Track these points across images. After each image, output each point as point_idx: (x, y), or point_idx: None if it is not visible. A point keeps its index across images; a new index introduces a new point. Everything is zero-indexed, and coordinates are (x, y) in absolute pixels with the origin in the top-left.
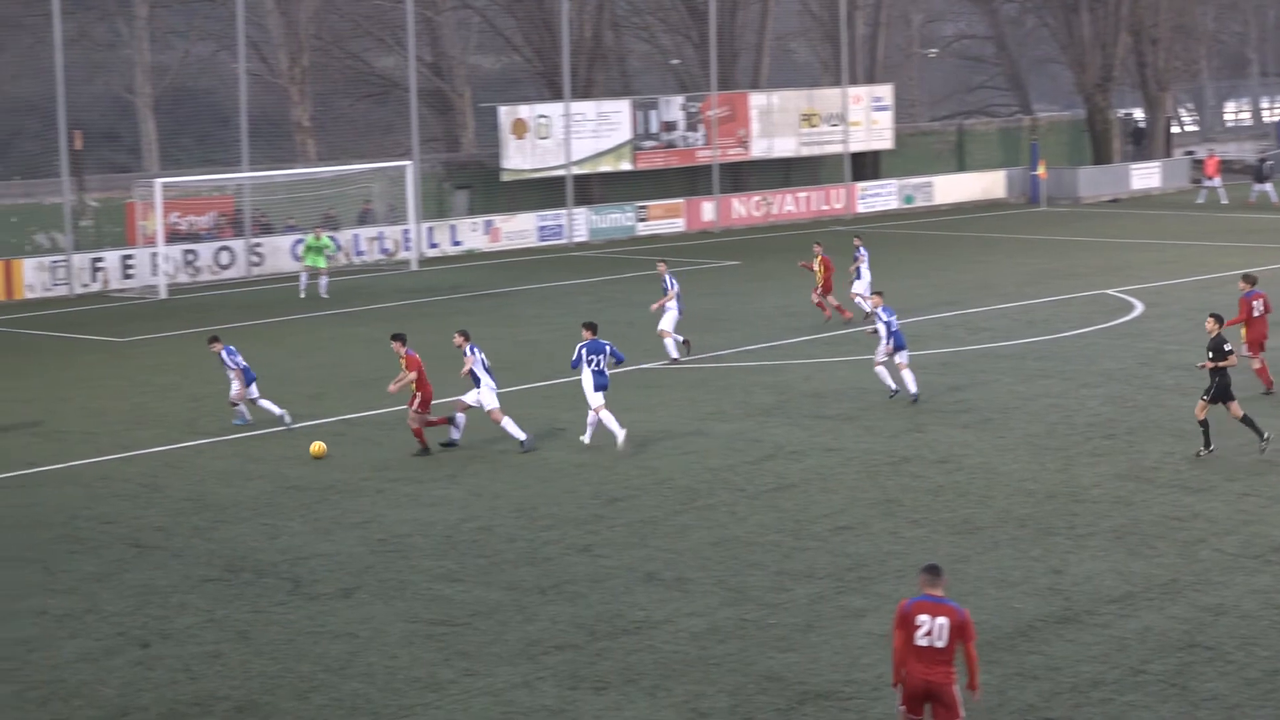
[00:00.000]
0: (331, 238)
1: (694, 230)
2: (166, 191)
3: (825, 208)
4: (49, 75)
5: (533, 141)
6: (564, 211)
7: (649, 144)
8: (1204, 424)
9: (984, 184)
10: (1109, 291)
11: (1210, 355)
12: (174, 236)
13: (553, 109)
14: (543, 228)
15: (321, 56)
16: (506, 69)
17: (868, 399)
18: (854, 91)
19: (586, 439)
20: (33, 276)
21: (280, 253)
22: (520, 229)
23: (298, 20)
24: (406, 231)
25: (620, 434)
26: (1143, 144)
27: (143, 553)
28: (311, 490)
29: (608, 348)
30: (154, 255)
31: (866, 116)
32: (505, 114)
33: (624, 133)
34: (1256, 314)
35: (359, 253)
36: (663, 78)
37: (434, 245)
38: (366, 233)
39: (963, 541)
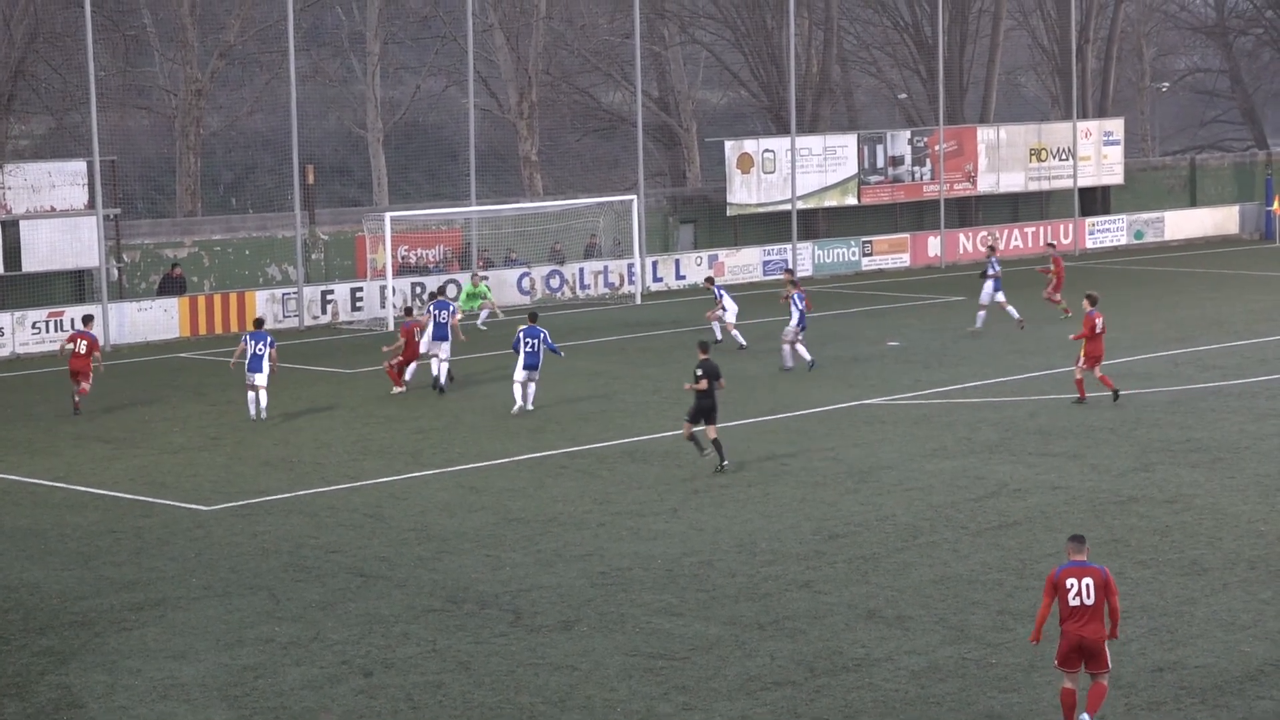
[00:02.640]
0: (487, 284)
1: (919, 265)
2: (395, 225)
3: (1053, 244)
4: (284, 111)
5: (758, 176)
6: (788, 246)
7: (875, 179)
8: (691, 438)
9: (1216, 219)
10: None
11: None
12: (403, 269)
13: (778, 144)
14: (767, 262)
15: (549, 92)
16: (733, 104)
17: (1094, 436)
18: (1084, 126)
19: (514, 410)
20: (264, 308)
21: (506, 286)
22: (745, 263)
23: (527, 56)
24: (631, 266)
25: (518, 405)
26: None
27: (367, 582)
28: (533, 522)
29: (542, 334)
30: (382, 288)
31: (1096, 151)
32: (731, 148)
33: (850, 167)
34: (1098, 330)
35: (584, 287)
36: (889, 112)
37: (658, 279)
38: (592, 266)
39: (1190, 583)
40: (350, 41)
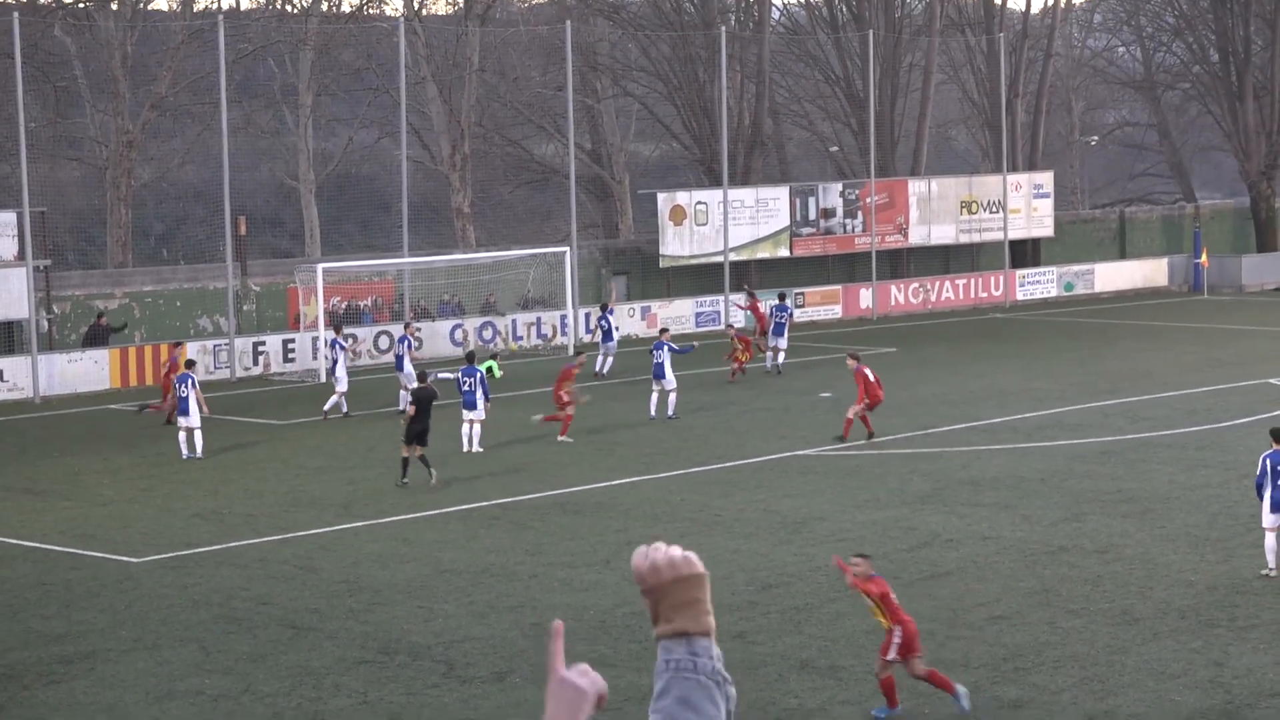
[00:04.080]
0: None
1: (851, 317)
2: (327, 276)
3: (984, 295)
4: (215, 162)
5: (690, 228)
6: (720, 297)
7: (807, 230)
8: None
9: (1145, 271)
10: (1272, 381)
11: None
12: (348, 318)
13: (711, 195)
14: (699, 314)
15: (482, 144)
16: (665, 156)
17: (1025, 487)
18: (1014, 179)
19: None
20: (195, 359)
21: (439, 337)
22: (677, 314)
23: (460, 108)
24: (564, 317)
25: (465, 448)
26: None
27: (298, 634)
28: (466, 574)
29: (478, 373)
30: (314, 339)
31: (1027, 203)
32: (663, 200)
33: (782, 219)
34: (872, 379)
35: (517, 338)
36: (821, 165)
37: (589, 331)
38: (525, 318)
39: (1121, 632)
40: (283, 93)
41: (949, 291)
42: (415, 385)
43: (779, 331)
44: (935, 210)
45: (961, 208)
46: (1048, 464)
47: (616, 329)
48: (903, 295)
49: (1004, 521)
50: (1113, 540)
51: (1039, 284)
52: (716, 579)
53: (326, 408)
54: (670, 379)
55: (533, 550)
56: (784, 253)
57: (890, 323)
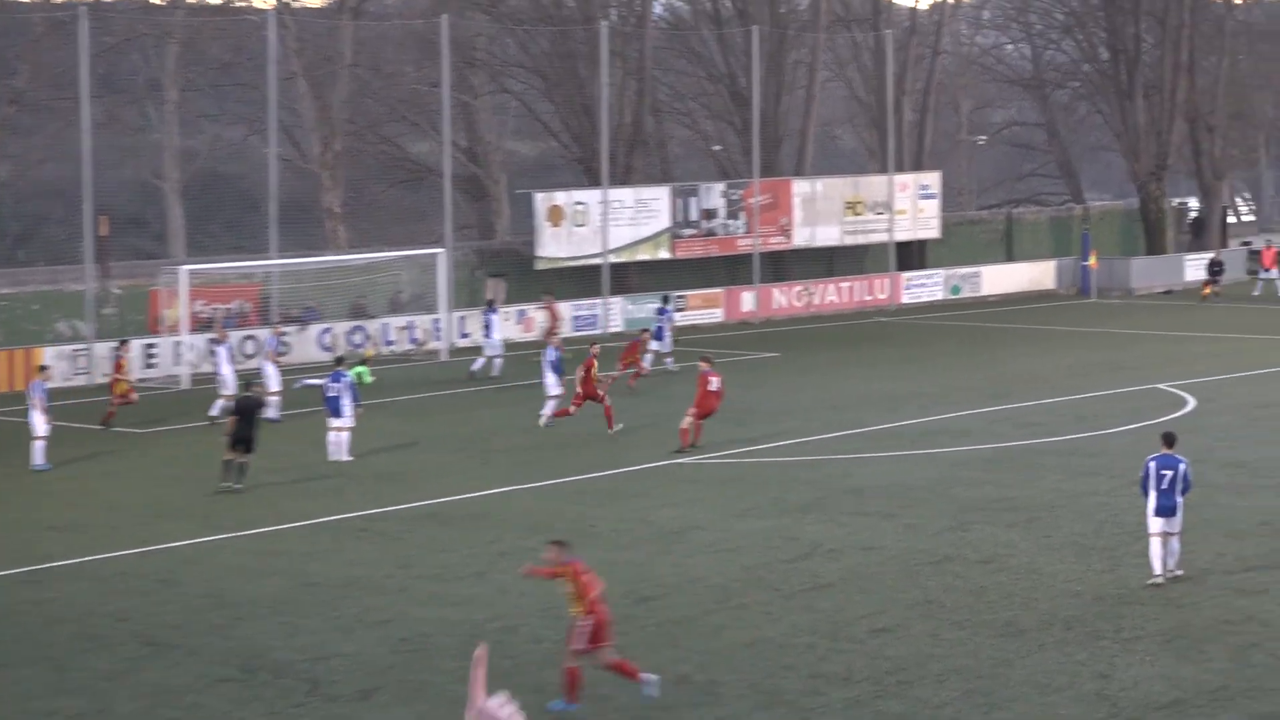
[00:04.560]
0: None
1: (733, 320)
2: (192, 279)
3: (869, 298)
4: (76, 160)
5: (569, 229)
6: (599, 301)
7: (688, 232)
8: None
9: (1033, 274)
10: (1160, 386)
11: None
12: (199, 325)
13: (590, 195)
14: (577, 317)
15: (354, 141)
16: (543, 155)
17: (909, 495)
18: (900, 179)
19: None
20: (53, 365)
21: (307, 343)
22: None
23: (331, 104)
24: (437, 321)
25: (331, 456)
26: (1199, 234)
27: (157, 651)
28: (332, 587)
29: (346, 379)
30: (177, 344)
31: (913, 204)
32: (541, 200)
33: (663, 220)
34: (713, 389)
35: (388, 342)
36: (703, 164)
37: (465, 335)
38: (396, 322)
39: (1006, 644)
40: (147, 88)
41: (833, 294)
42: (235, 392)
43: (659, 335)
44: (820, 211)
45: (847, 209)
46: (933, 472)
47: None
48: (786, 298)
49: (887, 531)
50: (998, 550)
51: (925, 287)
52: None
53: (214, 412)
54: (552, 384)
55: (402, 563)
56: (665, 254)
57: (773, 326)
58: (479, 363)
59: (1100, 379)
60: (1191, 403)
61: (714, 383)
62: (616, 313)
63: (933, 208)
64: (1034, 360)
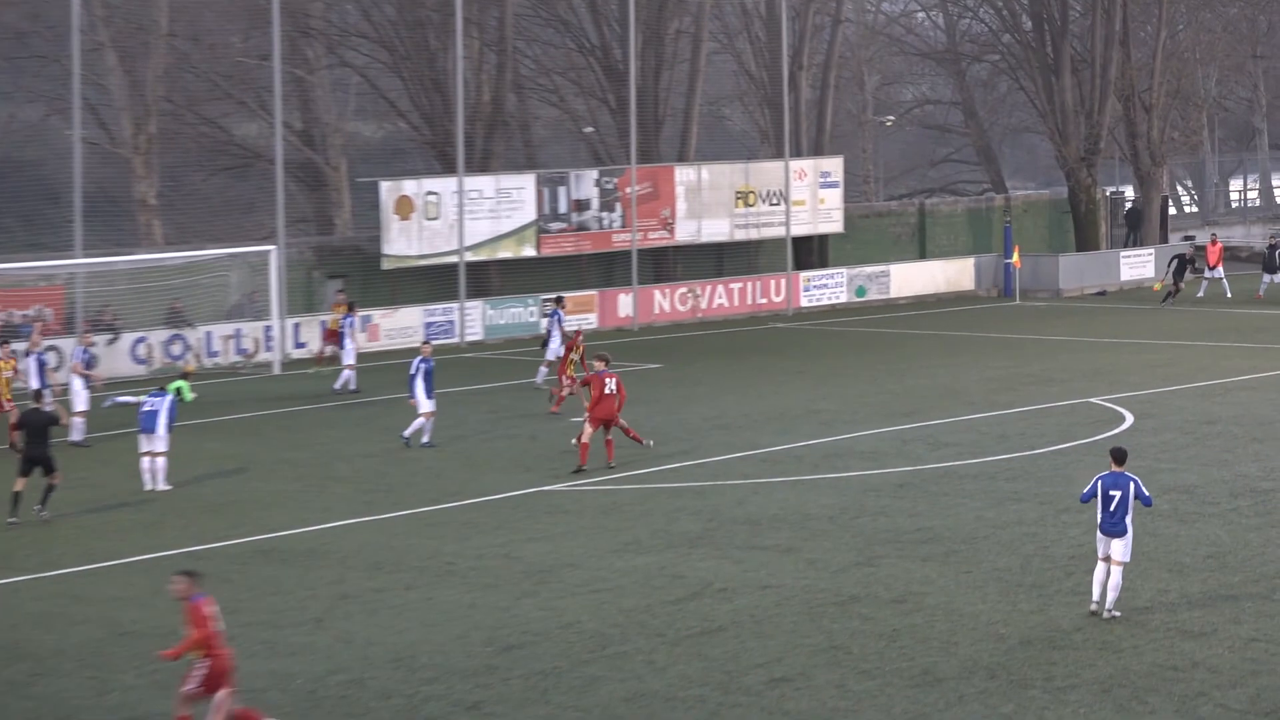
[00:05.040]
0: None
1: (609, 327)
2: None
3: (764, 301)
4: None
5: (420, 223)
6: (455, 305)
7: (556, 226)
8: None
9: (949, 274)
10: (1094, 400)
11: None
12: None
13: (444, 185)
14: (430, 324)
15: (172, 122)
16: (390, 137)
17: (811, 526)
18: (798, 165)
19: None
20: None
21: (117, 354)
22: (404, 325)
23: (144, 80)
24: (269, 329)
25: (146, 486)
26: (1136, 228)
27: None
28: (148, 637)
29: (166, 397)
30: None
31: (812, 195)
32: (387, 190)
33: (527, 213)
34: (609, 391)
35: (212, 354)
36: (573, 148)
37: (301, 345)
38: (222, 330)
39: (922, 696)
40: None
41: (722, 297)
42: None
43: (548, 342)
44: (707, 202)
45: (737, 199)
46: (837, 499)
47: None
48: (669, 301)
49: (787, 567)
50: (911, 588)
51: (826, 288)
52: (448, 639)
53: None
54: (422, 400)
55: (230, 607)
56: (530, 252)
57: (654, 334)
58: (344, 376)
59: (1026, 392)
60: (1128, 419)
61: (610, 384)
62: (475, 319)
63: (834, 198)
64: (951, 372)
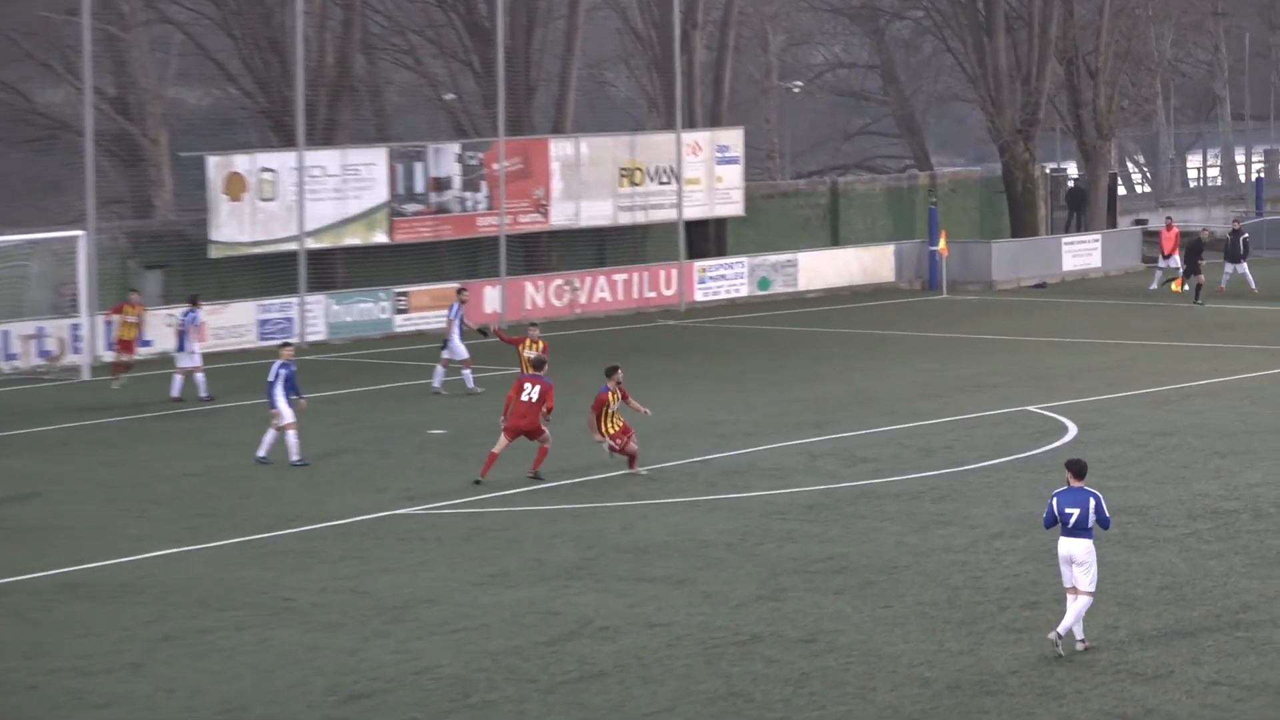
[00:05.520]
0: None
1: (473, 324)
2: None
3: (652, 295)
4: None
5: (253, 204)
6: (295, 300)
7: (412, 208)
8: None
9: (865, 263)
10: (1032, 409)
11: None
12: None
13: (281, 160)
14: (265, 321)
15: None
16: (218, 106)
17: (707, 555)
18: (691, 138)
19: None
20: None
21: None
22: (235, 323)
23: None
24: (76, 327)
25: None
26: (1079, 210)
27: None
28: None
29: None
30: None
31: (708, 172)
32: (215, 166)
33: (379, 193)
34: (526, 398)
35: (9, 357)
36: (432, 119)
37: (112, 346)
38: (21, 329)
39: None
40: None
41: (605, 290)
42: None
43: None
44: (586, 181)
45: (622, 177)
46: (737, 523)
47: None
48: (542, 295)
49: (679, 602)
50: (822, 625)
51: (725, 280)
52: (286, 686)
53: None
54: (285, 411)
55: (30, 651)
56: (381, 238)
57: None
58: (178, 382)
59: (954, 399)
60: (1071, 429)
61: (530, 391)
62: (318, 315)
63: (734, 176)
64: (868, 376)
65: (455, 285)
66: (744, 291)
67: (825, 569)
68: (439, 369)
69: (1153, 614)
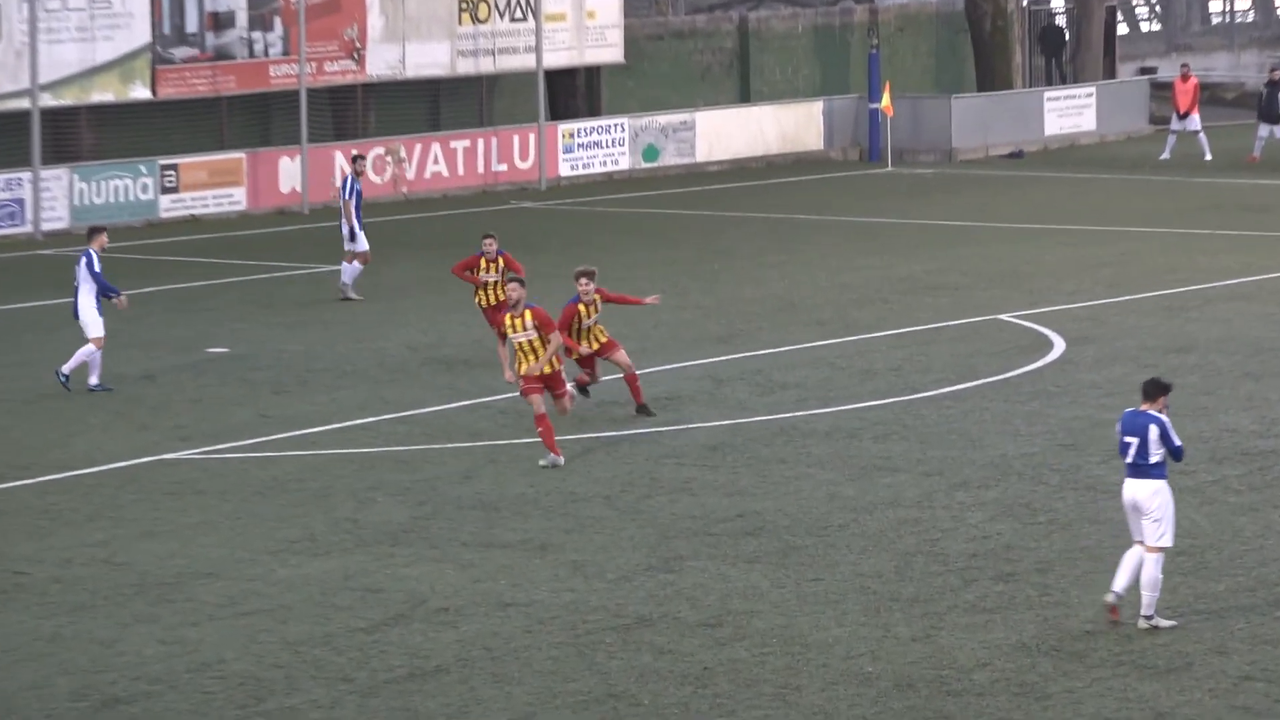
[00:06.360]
0: None
1: (263, 209)
2: None
3: (502, 169)
4: None
5: None
6: (25, 175)
7: (182, 54)
8: None
9: (785, 126)
10: (1004, 317)
11: None
12: None
13: None
14: None
15: None
16: None
17: (578, 512)
18: None
19: None
20: None
21: None
22: None
23: None
24: None
25: None
26: (1064, 55)
27: None
28: None
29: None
30: None
31: (576, 6)
32: None
33: (138, 33)
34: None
35: None
36: None
37: None
38: None
39: None
40: None
41: (440, 163)
42: None
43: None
44: (414, 17)
45: (462, 11)
46: (616, 470)
47: None
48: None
49: (541, 574)
50: (730, 604)
51: (599, 149)
52: (19, 689)
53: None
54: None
55: None
56: (141, 93)
57: (333, 218)
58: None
59: (903, 306)
60: (1057, 344)
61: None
62: (57, 196)
63: (611, 10)
64: (788, 275)
65: (396, 157)
66: (624, 164)
67: (733, 530)
68: (346, 265)
69: (1166, 587)
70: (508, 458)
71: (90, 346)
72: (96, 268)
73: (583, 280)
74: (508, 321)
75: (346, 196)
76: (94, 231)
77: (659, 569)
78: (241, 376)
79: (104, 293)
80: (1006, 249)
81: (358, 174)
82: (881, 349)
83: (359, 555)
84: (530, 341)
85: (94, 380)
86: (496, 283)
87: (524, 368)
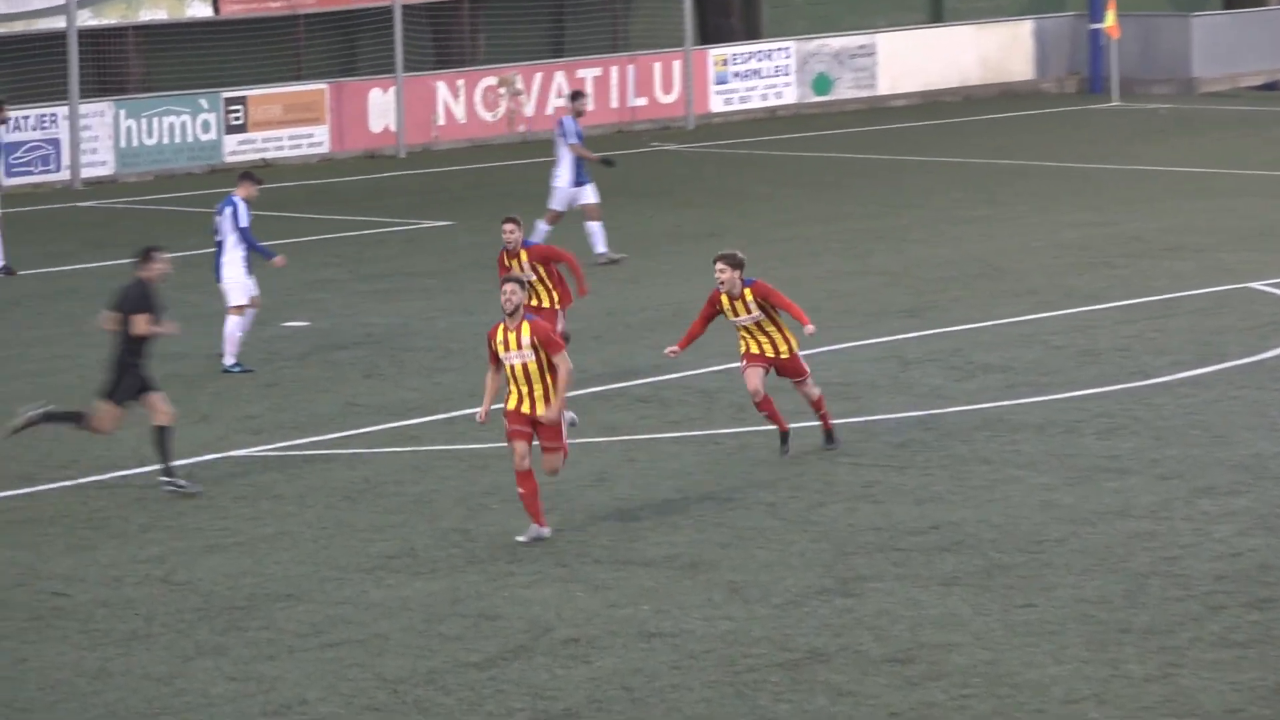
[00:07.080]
0: None
1: (349, 152)
2: None
3: (642, 103)
4: None
5: None
6: (61, 110)
7: None
8: None
9: (987, 51)
10: (1257, 285)
11: None
12: None
13: None
14: (10, 146)
15: None
16: None
17: (734, 521)
18: None
19: None
20: None
21: None
22: None
23: None
24: None
25: None
26: None
27: None
28: None
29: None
30: None
31: None
32: None
33: None
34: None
35: None
36: None
37: None
38: None
39: None
40: None
41: (563, 98)
42: None
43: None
44: None
45: None
46: (782, 471)
47: None
48: (463, 105)
49: (691, 598)
50: (923, 636)
51: (759, 79)
52: None
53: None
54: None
55: None
56: (203, 11)
57: (436, 163)
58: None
59: (1131, 273)
60: None
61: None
62: (100, 137)
63: None
64: (991, 235)
65: (511, 89)
66: (790, 98)
67: (926, 545)
68: (541, 224)
69: None
70: (649, 456)
71: (234, 318)
72: (244, 221)
73: (717, 265)
74: (499, 337)
75: (568, 136)
76: (244, 178)
77: (835, 592)
78: (324, 357)
79: (253, 250)
80: (1260, 203)
81: (578, 114)
82: (1106, 324)
83: (470, 574)
84: (525, 365)
85: (229, 360)
86: (530, 283)
87: (512, 402)
